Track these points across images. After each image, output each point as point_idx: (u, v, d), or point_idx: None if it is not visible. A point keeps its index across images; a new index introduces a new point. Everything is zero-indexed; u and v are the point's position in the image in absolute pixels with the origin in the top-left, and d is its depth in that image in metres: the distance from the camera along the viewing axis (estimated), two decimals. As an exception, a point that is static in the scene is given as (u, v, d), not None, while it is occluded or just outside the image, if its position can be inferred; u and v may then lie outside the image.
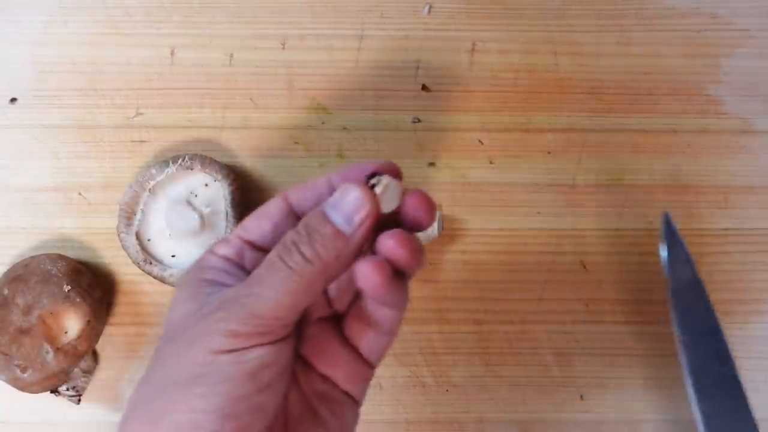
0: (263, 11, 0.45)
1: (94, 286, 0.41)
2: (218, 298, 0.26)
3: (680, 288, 0.40)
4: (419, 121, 0.44)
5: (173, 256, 0.42)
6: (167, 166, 0.41)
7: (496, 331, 0.43)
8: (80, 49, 0.44)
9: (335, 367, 0.29)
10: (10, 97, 0.44)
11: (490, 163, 0.44)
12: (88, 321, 0.39)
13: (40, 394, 0.40)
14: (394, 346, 0.42)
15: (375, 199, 0.26)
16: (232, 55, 0.44)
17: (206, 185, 0.42)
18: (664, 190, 0.44)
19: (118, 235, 0.41)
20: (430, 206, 0.27)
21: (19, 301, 0.39)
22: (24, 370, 0.38)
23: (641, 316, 0.43)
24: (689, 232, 0.43)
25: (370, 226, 0.26)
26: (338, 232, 0.26)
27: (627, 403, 0.42)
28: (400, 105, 0.44)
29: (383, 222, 0.27)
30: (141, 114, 0.44)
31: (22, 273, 0.40)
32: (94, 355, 0.42)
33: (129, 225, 0.41)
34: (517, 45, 0.45)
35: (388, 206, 0.27)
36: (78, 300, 0.39)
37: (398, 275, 0.27)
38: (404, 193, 0.27)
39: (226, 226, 0.41)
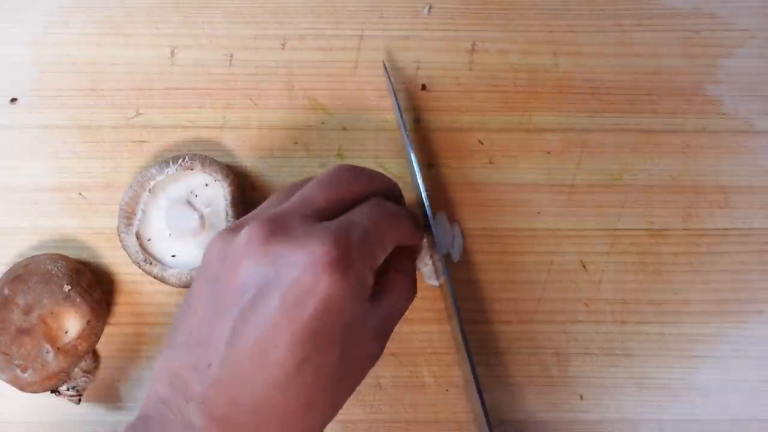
0: (263, 11, 0.45)
1: (94, 286, 0.41)
2: None
3: None
4: (419, 121, 0.44)
5: (173, 256, 0.42)
6: (167, 166, 0.41)
7: (496, 331, 0.43)
8: (81, 49, 0.44)
9: None
10: (10, 97, 0.44)
11: (490, 163, 0.44)
12: (88, 321, 0.39)
13: (40, 394, 0.40)
14: (394, 345, 0.42)
15: None
16: (232, 55, 0.44)
17: (206, 185, 0.42)
18: (664, 190, 0.44)
19: (118, 235, 0.41)
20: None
21: (20, 301, 0.39)
22: (24, 369, 0.38)
23: (641, 316, 0.43)
24: (689, 232, 0.43)
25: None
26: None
27: (627, 403, 0.42)
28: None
29: None
30: (141, 114, 0.44)
31: (23, 273, 0.40)
32: (94, 355, 0.42)
33: (129, 225, 0.41)
34: (517, 45, 0.45)
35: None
36: (78, 300, 0.39)
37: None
38: None
39: (226, 226, 0.41)
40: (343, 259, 0.30)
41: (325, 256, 0.30)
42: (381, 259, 0.33)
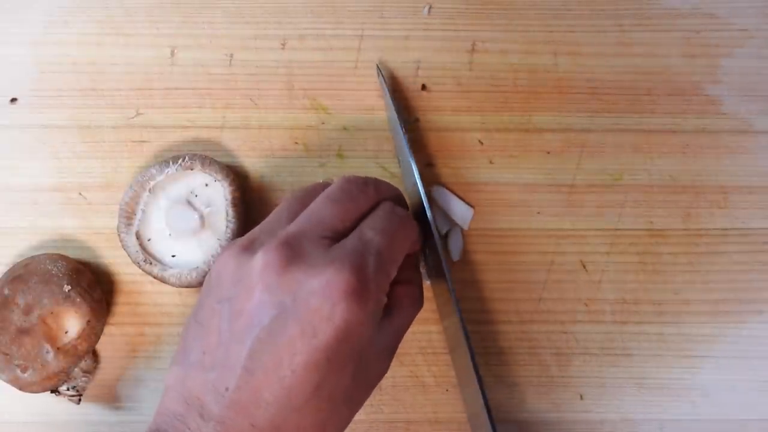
0: (263, 11, 0.45)
1: (94, 286, 0.41)
2: None
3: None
4: (419, 121, 0.44)
5: (173, 255, 0.42)
6: (167, 166, 0.41)
7: (496, 331, 0.43)
8: (80, 49, 0.44)
9: None
10: (10, 97, 0.44)
11: (490, 163, 0.44)
12: (88, 321, 0.39)
13: (40, 394, 0.40)
14: (394, 346, 0.42)
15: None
16: (232, 55, 0.44)
17: (206, 185, 0.42)
18: (663, 190, 0.44)
19: (118, 235, 0.41)
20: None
21: (20, 301, 0.39)
22: (24, 369, 0.38)
23: (641, 316, 0.43)
24: (689, 232, 0.43)
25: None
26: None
27: (627, 403, 0.42)
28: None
29: None
30: (141, 114, 0.44)
31: (23, 273, 0.40)
32: (94, 355, 0.42)
33: (129, 225, 0.41)
34: (517, 45, 0.45)
35: None
36: (78, 300, 0.39)
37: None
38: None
39: (226, 226, 0.41)
40: (361, 287, 0.30)
41: (342, 285, 0.30)
42: (394, 274, 0.33)
